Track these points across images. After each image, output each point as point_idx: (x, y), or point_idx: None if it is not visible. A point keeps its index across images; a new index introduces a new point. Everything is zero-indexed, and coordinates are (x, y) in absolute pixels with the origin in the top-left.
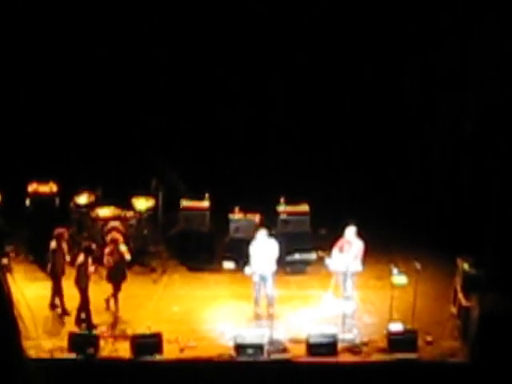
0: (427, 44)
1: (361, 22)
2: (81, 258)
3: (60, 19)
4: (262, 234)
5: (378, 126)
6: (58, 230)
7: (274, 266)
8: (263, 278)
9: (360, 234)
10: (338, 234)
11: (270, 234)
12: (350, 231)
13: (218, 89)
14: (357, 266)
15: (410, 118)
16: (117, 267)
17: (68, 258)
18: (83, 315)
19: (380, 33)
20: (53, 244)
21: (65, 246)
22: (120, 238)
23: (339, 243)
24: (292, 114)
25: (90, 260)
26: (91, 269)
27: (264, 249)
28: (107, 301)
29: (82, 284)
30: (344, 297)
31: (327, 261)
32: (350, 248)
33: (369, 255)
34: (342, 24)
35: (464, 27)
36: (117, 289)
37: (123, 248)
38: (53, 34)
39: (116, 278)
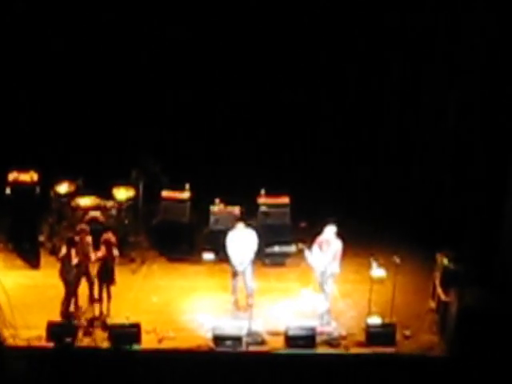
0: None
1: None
2: (63, 250)
3: (52, 13)
4: (239, 227)
5: (361, 119)
6: (81, 226)
7: (251, 257)
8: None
9: (339, 234)
10: (318, 228)
11: (248, 225)
12: (330, 230)
13: (201, 79)
14: (335, 267)
15: (392, 112)
16: (106, 269)
17: (92, 253)
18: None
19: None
20: (76, 239)
21: (89, 240)
22: (114, 240)
23: (318, 240)
24: (275, 105)
25: (73, 252)
26: (75, 261)
27: (242, 241)
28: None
29: (66, 276)
30: (325, 295)
31: (306, 253)
32: (328, 247)
33: (348, 249)
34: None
35: (451, 23)
36: (102, 287)
37: (116, 252)
38: (41, 27)
39: (104, 278)
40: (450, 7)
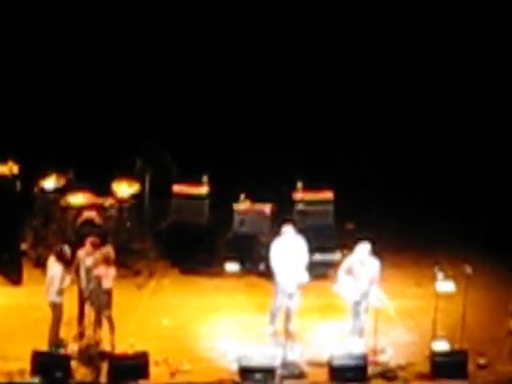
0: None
1: None
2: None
3: None
4: (288, 233)
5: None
6: (91, 239)
7: (303, 273)
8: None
9: (376, 252)
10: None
11: (299, 231)
12: (363, 250)
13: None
14: (374, 293)
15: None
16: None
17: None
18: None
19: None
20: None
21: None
22: (113, 256)
23: (347, 264)
24: (314, 80)
25: (63, 269)
26: (67, 281)
27: (292, 251)
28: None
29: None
30: (354, 331)
31: (336, 287)
32: (362, 270)
33: (408, 256)
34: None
35: None
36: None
37: (113, 271)
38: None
39: (98, 302)
40: None
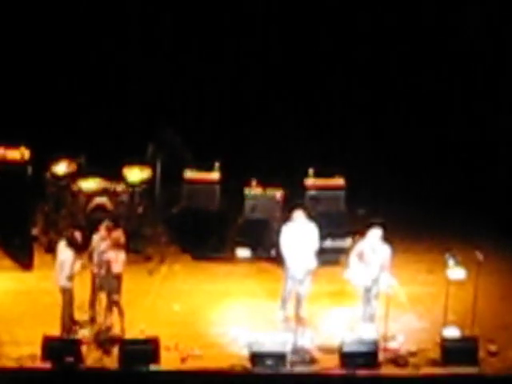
0: None
1: None
2: (62, 250)
3: None
4: (298, 218)
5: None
6: (106, 224)
7: (313, 260)
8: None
9: (387, 239)
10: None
11: (309, 216)
12: (375, 235)
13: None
14: (385, 280)
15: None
16: (111, 276)
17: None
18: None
19: None
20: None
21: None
22: (124, 240)
23: (358, 249)
24: (328, 63)
25: (73, 254)
26: (77, 266)
27: (302, 237)
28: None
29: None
30: (365, 317)
31: (347, 273)
32: (373, 256)
33: (419, 242)
34: None
35: None
36: (109, 298)
37: (123, 256)
38: None
39: (107, 287)
40: None
